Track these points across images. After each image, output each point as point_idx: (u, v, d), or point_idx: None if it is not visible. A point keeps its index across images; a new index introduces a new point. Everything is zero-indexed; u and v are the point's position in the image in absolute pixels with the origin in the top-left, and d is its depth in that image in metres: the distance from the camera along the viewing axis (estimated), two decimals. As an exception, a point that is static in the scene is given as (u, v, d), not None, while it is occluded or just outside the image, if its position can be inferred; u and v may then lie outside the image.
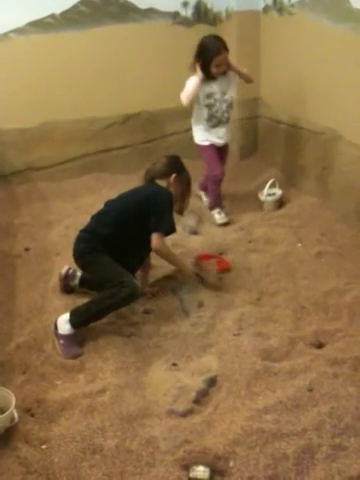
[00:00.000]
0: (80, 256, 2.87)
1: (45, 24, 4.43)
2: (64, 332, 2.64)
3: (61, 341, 2.63)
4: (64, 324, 2.65)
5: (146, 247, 2.94)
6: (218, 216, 4.04)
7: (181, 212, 3.14)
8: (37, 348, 2.64)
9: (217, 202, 4.12)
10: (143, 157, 4.96)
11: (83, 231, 2.93)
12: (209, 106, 3.87)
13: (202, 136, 4.00)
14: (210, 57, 3.67)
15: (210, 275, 3.14)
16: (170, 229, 2.93)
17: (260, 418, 2.15)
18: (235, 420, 2.15)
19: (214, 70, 3.72)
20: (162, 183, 3.02)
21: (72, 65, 4.58)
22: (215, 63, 3.68)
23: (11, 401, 2.18)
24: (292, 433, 2.07)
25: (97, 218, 2.95)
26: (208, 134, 3.98)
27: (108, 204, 3.03)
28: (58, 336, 2.65)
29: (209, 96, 3.84)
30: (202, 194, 4.30)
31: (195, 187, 4.17)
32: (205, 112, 3.90)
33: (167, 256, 2.98)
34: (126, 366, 2.50)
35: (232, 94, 3.94)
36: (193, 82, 3.75)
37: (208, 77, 3.77)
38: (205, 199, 4.23)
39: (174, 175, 3.01)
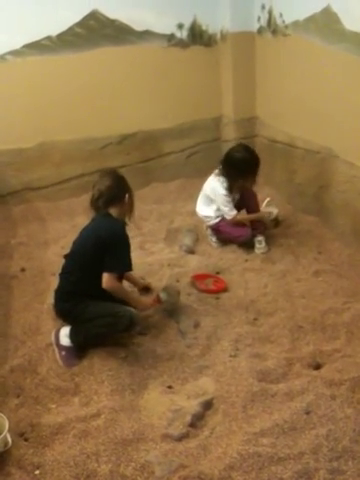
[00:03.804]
0: (67, 315, 2.83)
1: (41, 46, 4.47)
2: (65, 344, 2.72)
3: (63, 352, 2.69)
4: (64, 337, 2.73)
5: (121, 277, 2.89)
6: (214, 239, 4.01)
7: (126, 221, 2.93)
8: (31, 370, 2.62)
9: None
10: (140, 177, 4.99)
11: (56, 291, 2.88)
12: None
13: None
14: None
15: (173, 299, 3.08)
16: (125, 269, 2.82)
17: (256, 442, 2.12)
18: (231, 444, 2.12)
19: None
20: (115, 208, 2.82)
21: (69, 86, 4.62)
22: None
23: (4, 425, 2.15)
24: (289, 457, 2.04)
25: (62, 276, 2.88)
26: None
27: (66, 258, 2.93)
28: (60, 347, 2.71)
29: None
30: (213, 239, 4.02)
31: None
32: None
33: (120, 295, 2.78)
34: (121, 389, 2.47)
35: None
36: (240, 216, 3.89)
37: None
38: (213, 240, 4.01)
39: (127, 195, 2.86)
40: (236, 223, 3.88)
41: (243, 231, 3.86)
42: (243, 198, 3.93)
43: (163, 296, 3.01)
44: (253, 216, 3.92)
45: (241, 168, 3.73)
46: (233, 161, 3.76)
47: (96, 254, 2.68)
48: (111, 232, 2.72)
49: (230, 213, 3.83)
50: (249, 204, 3.95)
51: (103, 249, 2.68)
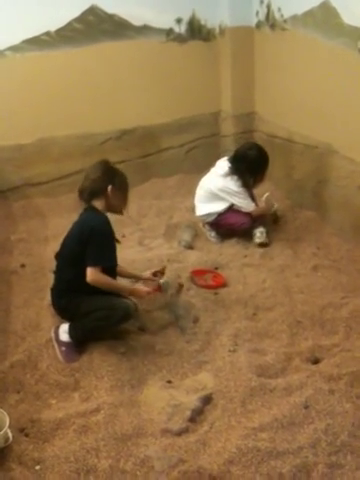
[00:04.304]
0: (64, 311, 2.83)
1: (40, 41, 4.46)
2: (65, 340, 2.72)
3: (63, 348, 2.70)
4: (64, 333, 2.74)
5: (112, 273, 2.83)
6: (213, 234, 4.02)
7: (122, 212, 2.89)
8: (31, 366, 2.63)
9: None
10: (139, 172, 4.99)
11: (52, 289, 2.89)
12: None
13: None
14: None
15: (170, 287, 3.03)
16: (109, 263, 2.74)
17: (255, 436, 2.13)
18: (230, 439, 2.13)
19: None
20: (100, 201, 2.77)
21: (67, 82, 4.61)
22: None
23: (5, 421, 2.16)
24: (288, 451, 2.05)
25: (55, 274, 2.87)
26: None
27: (57, 256, 2.90)
28: (59, 343, 2.72)
29: None
30: (212, 234, 4.05)
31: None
32: None
33: (108, 287, 2.73)
34: (121, 384, 2.48)
35: None
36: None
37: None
38: (212, 235, 4.04)
39: (110, 187, 2.75)
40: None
41: (245, 218, 3.90)
42: None
43: (164, 285, 2.98)
44: (264, 207, 4.00)
45: (253, 166, 3.82)
46: (246, 159, 3.83)
47: (82, 250, 2.67)
48: (91, 226, 2.69)
49: (250, 205, 3.93)
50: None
51: (85, 244, 2.66)
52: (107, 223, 2.77)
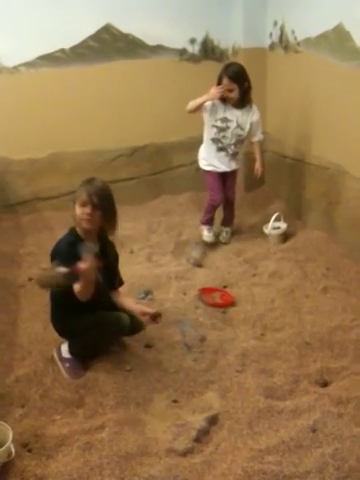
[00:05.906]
0: (59, 331, 2.78)
1: (55, 58, 4.52)
2: (68, 356, 2.71)
3: (67, 364, 2.68)
4: (66, 352, 2.73)
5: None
6: (206, 233, 4.14)
7: (112, 233, 2.70)
8: (37, 381, 2.61)
9: (208, 221, 4.20)
10: (150, 189, 5.02)
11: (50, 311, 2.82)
12: (219, 129, 3.99)
13: (205, 160, 4.12)
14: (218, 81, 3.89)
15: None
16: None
17: (262, 459, 2.09)
18: (236, 460, 2.10)
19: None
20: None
21: (81, 98, 4.66)
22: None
23: (8, 435, 2.14)
24: (294, 475, 2.01)
25: (50, 299, 2.79)
26: (211, 157, 4.07)
27: None
28: (63, 360, 2.71)
29: (223, 120, 3.97)
30: (204, 228, 4.21)
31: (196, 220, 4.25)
32: (213, 132, 4.01)
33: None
34: (126, 402, 2.46)
35: (246, 133, 4.07)
36: (204, 97, 3.92)
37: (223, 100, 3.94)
38: (206, 234, 4.18)
39: (77, 204, 2.56)
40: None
41: (215, 194, 4.09)
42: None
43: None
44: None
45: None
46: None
47: None
48: (55, 250, 2.61)
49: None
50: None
51: None
52: (63, 245, 2.58)
